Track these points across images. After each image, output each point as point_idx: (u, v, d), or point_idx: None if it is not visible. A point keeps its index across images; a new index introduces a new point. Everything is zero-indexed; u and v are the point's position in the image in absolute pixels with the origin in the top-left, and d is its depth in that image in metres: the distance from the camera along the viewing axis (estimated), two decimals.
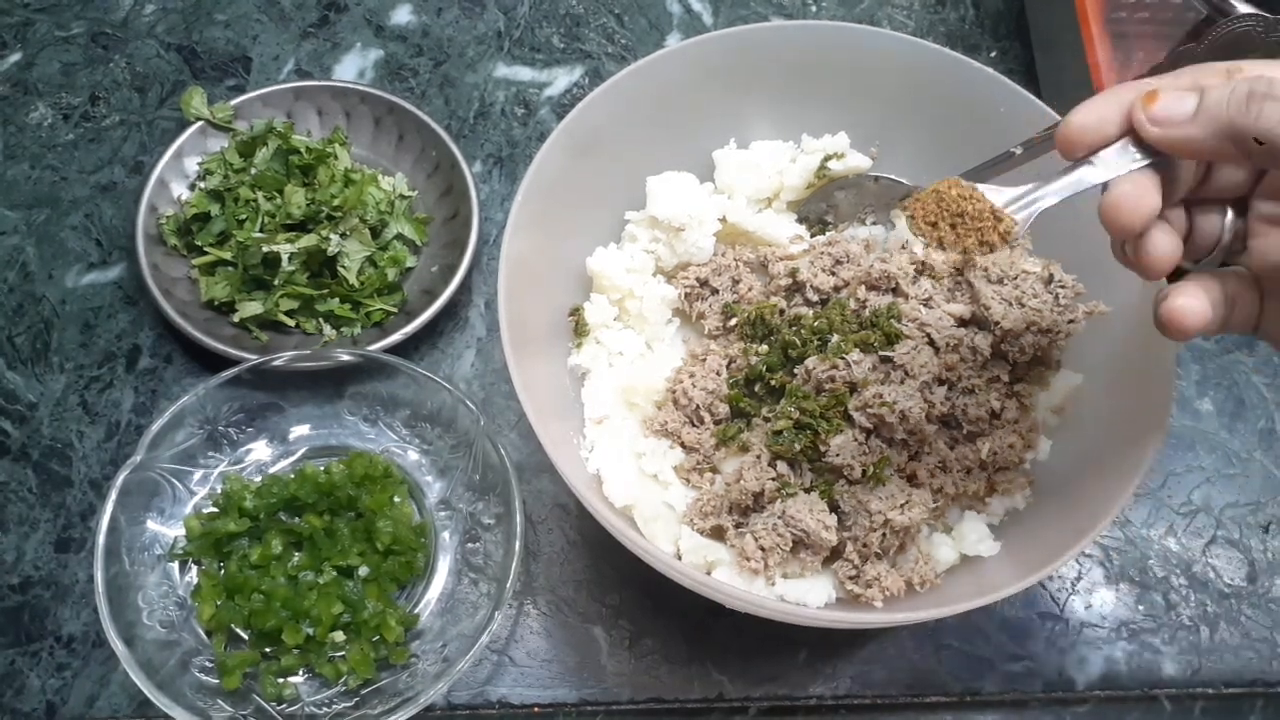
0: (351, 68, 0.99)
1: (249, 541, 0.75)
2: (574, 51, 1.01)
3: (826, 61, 0.75)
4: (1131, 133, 0.48)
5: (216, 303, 0.84)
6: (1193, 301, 0.49)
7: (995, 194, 0.54)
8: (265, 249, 0.82)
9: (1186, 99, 0.45)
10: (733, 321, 0.72)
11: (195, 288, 0.85)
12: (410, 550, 0.75)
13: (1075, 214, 0.71)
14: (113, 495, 0.72)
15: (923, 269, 0.72)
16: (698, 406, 0.69)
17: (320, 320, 0.85)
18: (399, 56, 1.00)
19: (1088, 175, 0.50)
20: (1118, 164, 0.49)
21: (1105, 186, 0.49)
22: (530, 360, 0.65)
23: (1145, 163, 0.48)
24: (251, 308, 0.83)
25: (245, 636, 0.73)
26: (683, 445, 0.70)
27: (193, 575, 0.75)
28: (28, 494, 0.80)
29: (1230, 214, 0.52)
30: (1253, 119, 0.43)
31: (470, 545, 0.77)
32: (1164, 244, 0.49)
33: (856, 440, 0.65)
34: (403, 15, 1.02)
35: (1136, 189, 0.48)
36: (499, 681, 0.74)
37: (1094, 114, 0.49)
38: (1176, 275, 0.52)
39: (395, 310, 0.86)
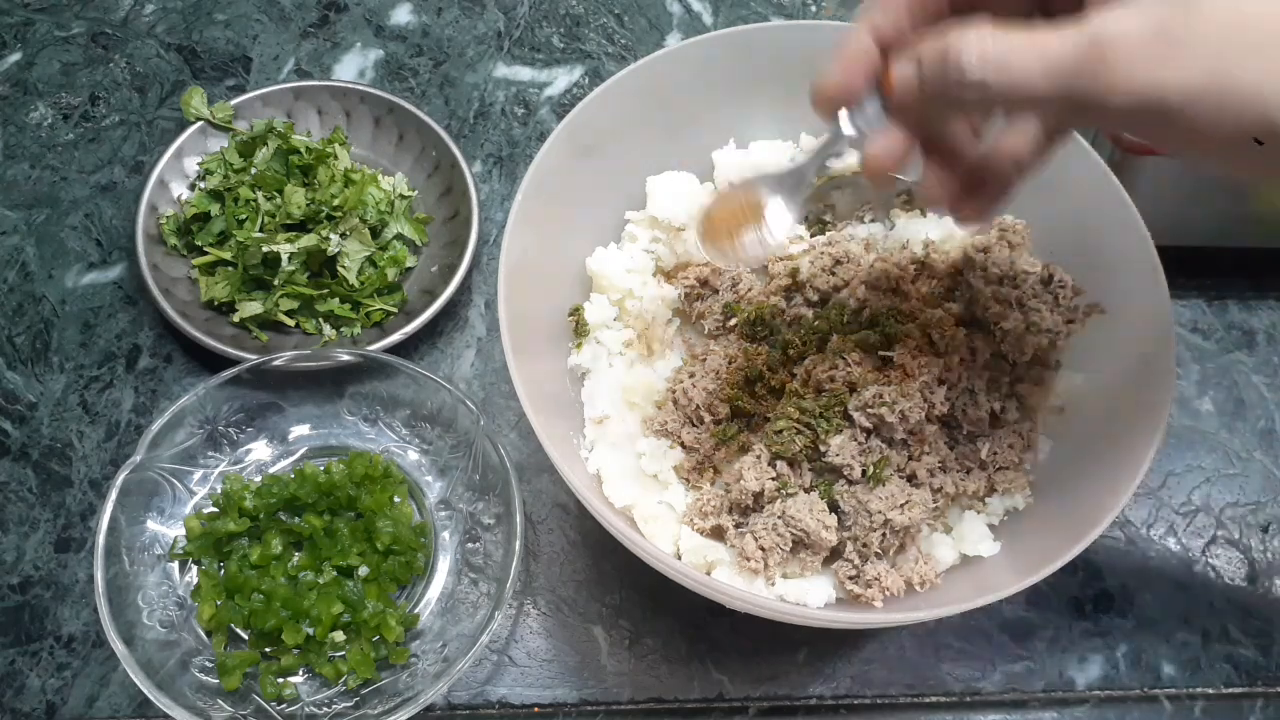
0: (351, 68, 0.99)
1: (249, 541, 0.75)
2: (574, 51, 1.01)
3: (827, 61, 0.75)
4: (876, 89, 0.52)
5: (216, 303, 0.84)
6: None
7: (771, 187, 0.59)
8: (265, 249, 0.82)
9: (908, 73, 0.49)
10: (733, 321, 0.72)
11: (195, 288, 0.85)
12: (410, 550, 0.75)
13: (1075, 213, 0.71)
14: (113, 495, 0.72)
15: (922, 269, 0.72)
16: (698, 406, 0.69)
17: (320, 320, 0.85)
18: (399, 56, 1.00)
19: (842, 134, 0.53)
20: (868, 119, 0.52)
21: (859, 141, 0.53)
22: (530, 360, 0.65)
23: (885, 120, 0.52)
24: (251, 308, 0.83)
25: (245, 636, 0.73)
26: (683, 445, 0.70)
27: (193, 575, 0.75)
28: (28, 494, 0.80)
29: None
30: (952, 91, 0.46)
31: (470, 545, 0.77)
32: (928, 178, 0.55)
33: (856, 440, 0.65)
34: (403, 15, 1.02)
35: (887, 143, 0.52)
36: (499, 681, 0.74)
37: (839, 78, 0.53)
38: None
39: (395, 310, 0.86)
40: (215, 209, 0.86)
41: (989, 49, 0.45)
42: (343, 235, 0.84)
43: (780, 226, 0.59)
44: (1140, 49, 0.42)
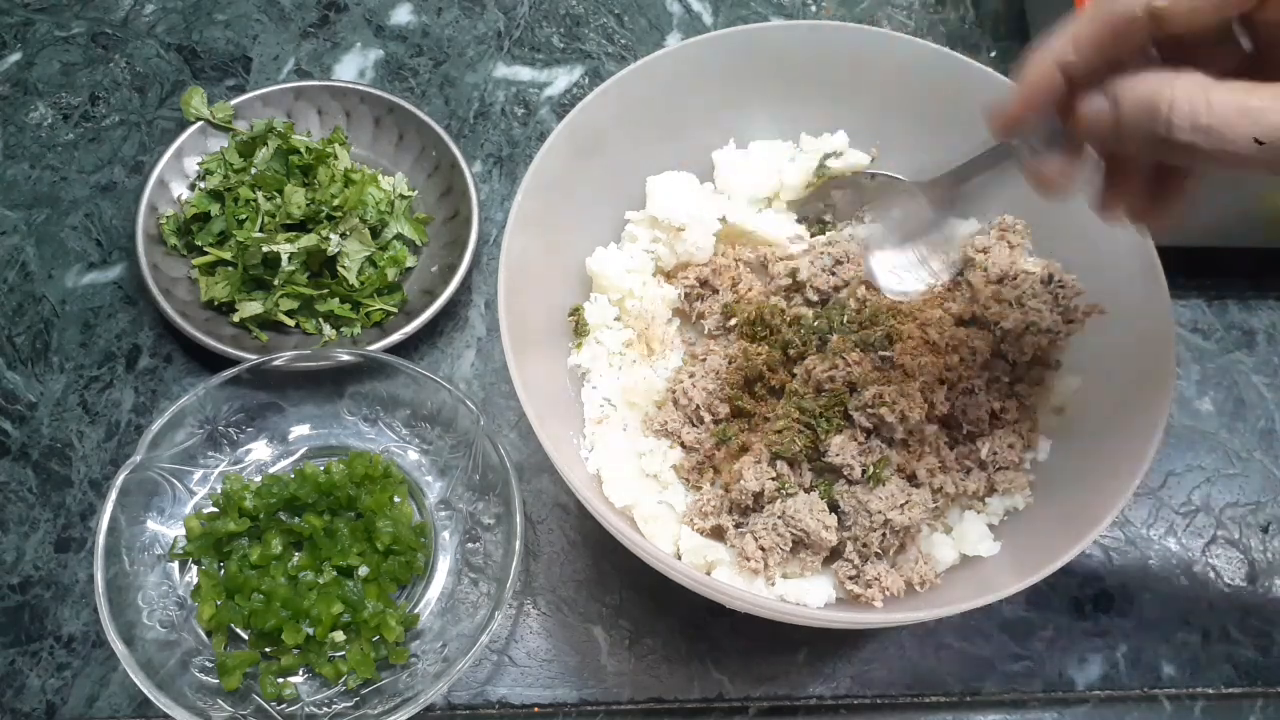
0: (351, 68, 0.99)
1: (249, 541, 0.75)
2: (574, 51, 1.01)
3: (826, 61, 0.75)
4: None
5: (216, 303, 0.84)
6: None
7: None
8: (265, 249, 0.82)
9: (1103, 113, 0.46)
10: (733, 321, 0.72)
11: (195, 288, 0.85)
12: (410, 550, 0.75)
13: (1075, 213, 0.71)
14: (113, 495, 0.72)
15: None
16: (698, 406, 0.69)
17: (320, 320, 0.85)
18: (399, 56, 1.00)
19: (1009, 154, 0.53)
20: (1044, 140, 0.51)
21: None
22: (530, 360, 0.65)
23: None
24: (251, 308, 0.83)
25: (245, 636, 0.73)
26: (683, 445, 0.70)
27: (193, 575, 0.75)
28: (28, 494, 0.80)
29: None
30: (1154, 142, 0.44)
31: (470, 545, 0.77)
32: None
33: (856, 440, 0.65)
34: (403, 15, 1.02)
35: (1062, 168, 0.51)
36: (499, 681, 0.74)
37: (1019, 107, 0.50)
38: None
39: (395, 310, 0.86)
40: (215, 209, 0.86)
41: (1201, 110, 0.41)
42: (343, 235, 0.84)
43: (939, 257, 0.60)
44: None
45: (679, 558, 0.66)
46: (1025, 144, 0.52)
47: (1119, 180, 0.52)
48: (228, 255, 0.85)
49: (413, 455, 0.80)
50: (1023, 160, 0.53)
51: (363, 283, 0.85)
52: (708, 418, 0.69)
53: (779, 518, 0.63)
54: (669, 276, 0.76)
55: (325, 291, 0.84)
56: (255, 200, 0.85)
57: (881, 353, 0.67)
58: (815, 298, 0.72)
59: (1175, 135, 0.42)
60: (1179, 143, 0.42)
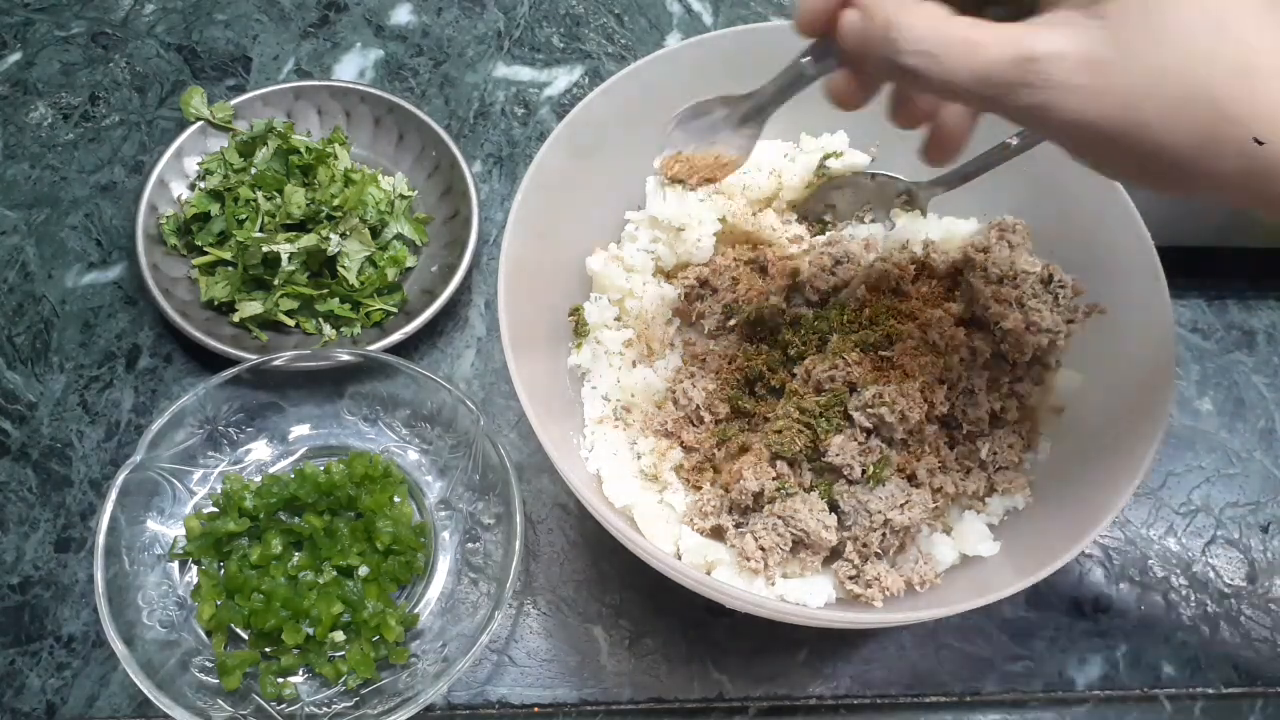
0: (351, 67, 0.99)
1: (249, 541, 0.75)
2: (574, 51, 1.01)
3: None
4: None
5: (216, 303, 0.84)
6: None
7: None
8: (265, 249, 0.82)
9: (855, 23, 0.46)
10: (733, 321, 0.72)
11: (195, 288, 0.85)
12: (410, 550, 0.75)
13: (1075, 213, 0.71)
14: (113, 495, 0.72)
15: (922, 269, 0.72)
16: (698, 406, 0.69)
17: (320, 320, 0.85)
18: (399, 56, 1.00)
19: (802, 61, 0.52)
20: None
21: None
22: (530, 360, 0.65)
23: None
24: (251, 308, 0.83)
25: (245, 636, 0.73)
26: (683, 445, 0.70)
27: (193, 575, 0.75)
28: (28, 494, 0.80)
29: None
30: (888, 64, 0.45)
31: (470, 545, 0.77)
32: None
33: (856, 440, 0.65)
34: (403, 15, 1.02)
35: (844, 82, 0.49)
36: (499, 681, 0.74)
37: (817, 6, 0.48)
38: None
39: (395, 310, 0.86)
40: (215, 209, 0.86)
41: (924, 36, 0.43)
42: (343, 235, 0.84)
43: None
44: (1069, 76, 0.41)
45: (679, 558, 0.66)
46: (817, 50, 0.51)
47: (903, 109, 0.52)
48: (228, 255, 0.85)
49: (413, 455, 0.80)
50: (809, 70, 0.52)
51: (363, 283, 0.85)
52: (708, 418, 0.69)
53: (779, 518, 0.63)
54: (669, 276, 0.76)
55: (325, 291, 0.84)
56: (255, 200, 0.85)
57: (881, 353, 0.67)
58: (815, 298, 0.72)
59: (900, 57, 0.43)
60: (903, 65, 0.44)
